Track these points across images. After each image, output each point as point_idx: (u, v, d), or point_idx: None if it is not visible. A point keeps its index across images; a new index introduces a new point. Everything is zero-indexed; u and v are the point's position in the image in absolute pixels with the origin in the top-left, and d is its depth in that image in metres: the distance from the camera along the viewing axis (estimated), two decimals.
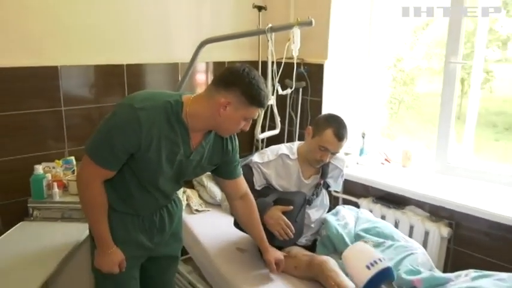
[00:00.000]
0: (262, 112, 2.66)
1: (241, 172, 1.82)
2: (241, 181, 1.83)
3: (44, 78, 2.35)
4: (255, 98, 1.45)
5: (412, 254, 1.88)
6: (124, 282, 1.66)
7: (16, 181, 2.29)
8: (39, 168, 2.22)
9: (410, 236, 2.28)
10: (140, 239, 1.65)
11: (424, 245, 2.24)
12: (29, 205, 2.22)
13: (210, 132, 1.59)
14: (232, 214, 1.99)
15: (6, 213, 2.31)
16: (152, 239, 1.69)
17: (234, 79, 1.44)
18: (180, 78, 2.77)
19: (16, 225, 2.16)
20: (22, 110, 2.31)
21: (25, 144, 2.34)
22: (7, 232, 2.10)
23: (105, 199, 1.53)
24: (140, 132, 1.39)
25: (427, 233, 2.29)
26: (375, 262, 1.29)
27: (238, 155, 1.77)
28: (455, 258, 2.30)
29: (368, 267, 1.29)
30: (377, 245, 1.96)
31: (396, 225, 2.36)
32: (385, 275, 1.28)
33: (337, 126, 2.00)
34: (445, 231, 2.24)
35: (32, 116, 2.34)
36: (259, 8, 2.93)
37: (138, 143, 1.40)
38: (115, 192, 1.56)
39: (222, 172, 1.76)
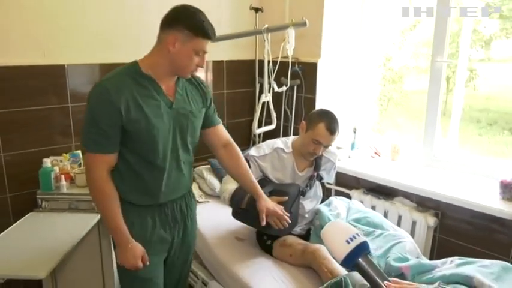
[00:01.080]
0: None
1: (220, 120, 1.76)
2: (222, 128, 1.77)
3: (52, 76, 2.33)
4: (198, 28, 1.41)
5: (400, 242, 1.88)
6: (149, 279, 1.59)
7: (26, 174, 2.28)
8: (47, 162, 2.21)
9: (398, 225, 2.27)
10: (161, 233, 1.58)
11: (412, 233, 2.25)
12: (37, 196, 2.21)
13: (179, 79, 1.55)
14: (220, 165, 1.86)
15: (17, 204, 2.30)
16: (173, 232, 1.62)
17: (176, 16, 1.43)
18: None
19: (26, 216, 2.15)
20: (31, 106, 2.29)
21: (34, 139, 2.32)
22: (17, 222, 2.08)
23: (114, 189, 1.46)
24: (112, 98, 1.36)
25: (414, 223, 2.29)
26: (354, 237, 1.32)
27: (212, 102, 1.71)
28: (441, 246, 2.29)
29: (348, 242, 1.31)
30: (367, 234, 1.95)
31: (385, 215, 2.36)
32: (363, 248, 1.31)
33: (329, 120, 1.99)
34: (431, 220, 2.24)
35: (40, 112, 2.32)
36: (256, 10, 2.90)
37: (117, 110, 1.37)
38: (128, 184, 1.50)
39: (202, 121, 1.67)
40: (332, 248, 1.42)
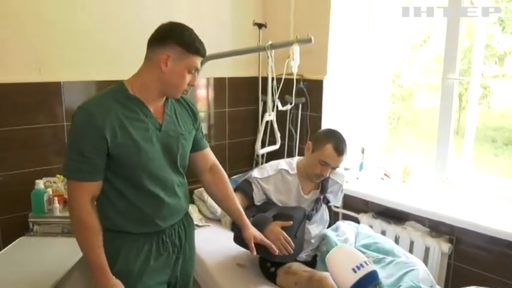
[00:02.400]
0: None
1: (207, 144, 1.75)
2: (209, 151, 1.75)
3: (47, 94, 2.34)
4: (191, 45, 1.42)
5: (412, 270, 1.85)
6: None
7: (17, 195, 2.26)
8: (40, 183, 2.20)
9: (410, 251, 2.24)
10: (159, 262, 1.54)
11: (425, 260, 2.21)
12: (29, 220, 2.18)
13: (167, 100, 1.54)
14: (205, 189, 1.81)
15: (7, 227, 2.28)
16: (171, 260, 1.59)
17: (166, 33, 1.44)
18: None
19: (16, 240, 2.12)
20: (25, 124, 2.29)
21: (27, 158, 2.32)
22: (7, 247, 2.06)
23: (98, 222, 1.41)
24: (97, 122, 1.33)
25: (427, 249, 2.25)
26: (361, 265, 1.26)
27: (201, 124, 1.70)
28: (456, 274, 2.25)
29: (354, 270, 1.25)
30: (377, 261, 1.92)
31: (396, 241, 2.33)
32: (371, 278, 1.25)
33: (336, 141, 1.98)
34: (446, 246, 2.21)
35: (34, 130, 2.32)
36: (259, 26, 2.93)
37: (102, 135, 1.34)
38: (123, 214, 1.46)
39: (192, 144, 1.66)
40: (337, 276, 1.37)
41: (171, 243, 1.57)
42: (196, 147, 1.68)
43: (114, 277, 1.42)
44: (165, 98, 1.53)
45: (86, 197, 1.39)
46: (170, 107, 1.55)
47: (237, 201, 1.78)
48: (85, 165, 1.36)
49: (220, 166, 1.77)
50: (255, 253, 1.74)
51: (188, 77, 1.46)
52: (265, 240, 1.78)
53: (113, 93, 1.42)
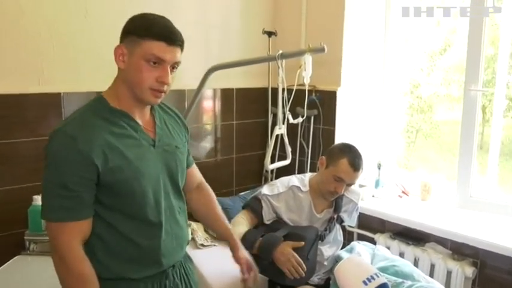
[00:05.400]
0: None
1: (193, 161, 1.68)
2: (196, 169, 1.68)
3: (46, 106, 2.37)
4: (143, 28, 1.23)
5: None
6: None
7: (13, 212, 2.28)
8: (38, 199, 2.21)
9: (431, 275, 2.23)
10: None
11: (447, 285, 2.20)
12: (26, 238, 2.20)
13: (154, 111, 1.42)
14: (191, 209, 1.68)
15: (2, 246, 2.29)
16: None
17: (124, 27, 1.29)
18: (186, 106, 2.79)
19: (11, 260, 2.13)
20: (22, 138, 2.32)
21: (24, 173, 2.34)
22: (2, 266, 2.07)
23: (92, 268, 1.24)
24: (81, 147, 1.17)
25: (449, 273, 2.24)
26: (372, 277, 1.26)
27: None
28: None
29: (365, 283, 1.25)
30: (395, 285, 1.90)
31: (416, 264, 2.32)
32: None
33: (352, 155, 1.98)
34: (469, 270, 2.19)
35: (33, 144, 2.35)
36: (269, 34, 2.96)
37: (90, 162, 1.18)
38: (117, 255, 1.30)
39: None
40: (345, 287, 1.36)
41: (174, 286, 1.45)
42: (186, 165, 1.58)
43: None
44: (149, 107, 1.40)
45: (75, 241, 1.21)
46: (159, 117, 1.43)
47: (226, 220, 1.71)
48: (72, 201, 1.20)
49: (207, 184, 1.71)
50: (247, 276, 1.62)
51: (153, 71, 1.25)
52: (254, 267, 1.65)
53: (93, 108, 1.28)
